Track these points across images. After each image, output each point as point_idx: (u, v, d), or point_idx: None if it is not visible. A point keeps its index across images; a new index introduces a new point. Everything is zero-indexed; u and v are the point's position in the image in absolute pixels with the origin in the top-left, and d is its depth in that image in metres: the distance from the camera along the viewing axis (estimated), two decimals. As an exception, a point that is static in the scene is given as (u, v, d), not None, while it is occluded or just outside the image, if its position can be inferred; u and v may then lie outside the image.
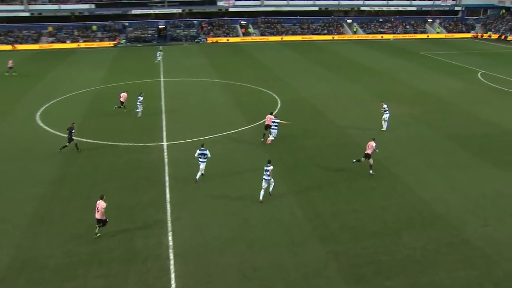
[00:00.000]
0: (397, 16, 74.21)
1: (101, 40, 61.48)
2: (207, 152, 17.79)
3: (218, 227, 14.90)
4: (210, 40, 63.70)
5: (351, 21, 72.15)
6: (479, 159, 20.43)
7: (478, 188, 17.57)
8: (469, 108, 28.95)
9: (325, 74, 40.27)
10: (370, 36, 68.80)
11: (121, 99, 27.40)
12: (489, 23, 75.12)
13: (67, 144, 20.75)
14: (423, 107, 29.24)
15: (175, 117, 26.26)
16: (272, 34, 67.50)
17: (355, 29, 70.48)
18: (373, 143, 18.96)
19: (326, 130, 24.55)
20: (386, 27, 71.95)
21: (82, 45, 59.43)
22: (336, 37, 67.92)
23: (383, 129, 24.30)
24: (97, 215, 14.02)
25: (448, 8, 75.76)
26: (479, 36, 70.62)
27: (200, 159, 17.81)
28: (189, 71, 41.21)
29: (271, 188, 16.69)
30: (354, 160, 19.35)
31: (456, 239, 14.22)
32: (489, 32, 71.09)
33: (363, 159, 19.02)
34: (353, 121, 26.10)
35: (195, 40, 63.42)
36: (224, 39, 64.09)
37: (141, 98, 26.77)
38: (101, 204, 13.99)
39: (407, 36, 69.68)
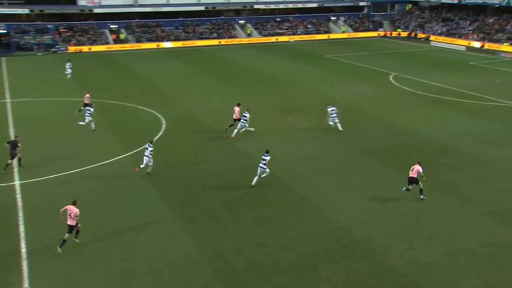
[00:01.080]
0: (297, 15, 79.65)
1: None
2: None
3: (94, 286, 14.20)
4: (72, 48, 61.53)
5: (244, 22, 75.46)
6: (397, 173, 22.34)
7: (399, 206, 19.19)
8: (383, 115, 31.93)
9: (217, 86, 41.26)
10: (267, 39, 72.58)
11: None
12: (398, 19, 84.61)
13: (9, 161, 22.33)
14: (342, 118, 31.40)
15: (30, 148, 24.55)
16: (150, 40, 67.44)
17: (249, 31, 73.80)
18: (418, 167, 19.74)
19: (221, 152, 25.06)
20: (284, 27, 76.66)
21: None
22: (227, 41, 70.30)
23: (341, 129, 28.18)
24: (69, 222, 16.11)
25: (352, 4, 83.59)
26: (388, 34, 78.97)
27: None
28: (45, 89, 39.29)
29: (264, 174, 20.78)
30: (404, 189, 19.96)
31: (379, 267, 15.30)
32: (398, 30, 79.92)
33: (410, 186, 19.77)
34: (254, 140, 27.04)
35: (52, 49, 60.68)
36: (88, 48, 62.27)
37: None
38: (73, 210, 16.13)
39: (309, 37, 75.02)
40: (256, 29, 75.03)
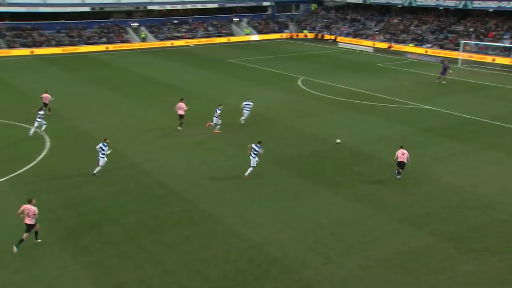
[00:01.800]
0: (196, 16, 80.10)
1: None
2: None
3: None
4: None
5: (137, 24, 74.44)
6: (311, 184, 23.23)
7: (314, 219, 19.85)
8: (294, 123, 32.97)
9: (111, 97, 40.30)
10: (164, 43, 72.23)
11: None
12: (304, 20, 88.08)
13: None
14: (241, 127, 31.98)
15: None
16: (25, 45, 64.32)
17: (143, 35, 72.96)
18: (405, 151, 23.57)
19: (118, 171, 24.49)
20: (183, 30, 76.75)
21: None
22: (118, 46, 68.93)
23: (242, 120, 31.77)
24: (27, 221, 17.39)
25: (255, 4, 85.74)
26: (294, 36, 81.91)
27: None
28: None
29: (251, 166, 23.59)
30: (397, 175, 23.62)
31: (297, 286, 15.67)
32: (304, 31, 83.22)
33: (401, 170, 23.46)
34: (154, 154, 26.76)
35: None
36: None
37: None
38: (31, 209, 17.45)
39: (210, 40, 75.67)
40: (151, 32, 74.31)
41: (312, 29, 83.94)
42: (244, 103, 31.07)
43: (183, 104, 31.50)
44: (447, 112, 35.58)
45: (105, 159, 23.78)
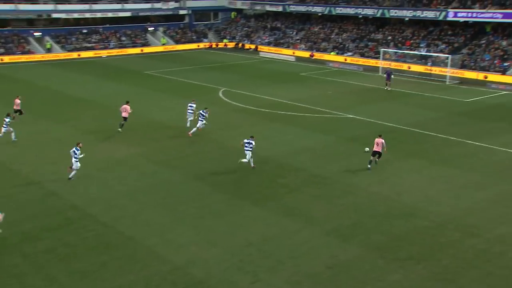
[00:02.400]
0: (108, 25, 78.54)
1: None
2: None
3: None
4: None
5: (40, 34, 71.74)
6: (236, 199, 23.29)
7: (240, 236, 19.91)
8: (216, 136, 32.91)
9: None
10: (71, 54, 70.25)
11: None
12: (223, 29, 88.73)
13: None
14: (160, 142, 31.65)
15: None
16: None
17: (48, 46, 70.50)
18: (382, 140, 26.36)
19: (22, 195, 23.44)
20: (94, 40, 75.00)
21: None
22: (17, 58, 66.10)
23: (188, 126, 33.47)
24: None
25: (171, 12, 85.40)
26: (213, 46, 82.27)
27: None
28: None
29: (248, 157, 26.60)
30: (369, 166, 26.70)
31: (223, 309, 15.65)
32: (224, 40, 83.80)
33: (372, 158, 26.61)
34: (65, 174, 25.82)
35: None
36: None
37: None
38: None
39: (124, 51, 74.33)
40: (57, 42, 71.96)
41: (232, 38, 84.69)
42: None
43: (128, 106, 33.35)
44: (370, 121, 36.97)
45: (78, 163, 24.81)
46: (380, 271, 17.55)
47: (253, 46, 79.40)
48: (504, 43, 58.28)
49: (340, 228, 20.65)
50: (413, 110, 40.82)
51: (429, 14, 63.25)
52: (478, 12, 58.68)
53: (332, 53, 70.03)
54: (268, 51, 75.30)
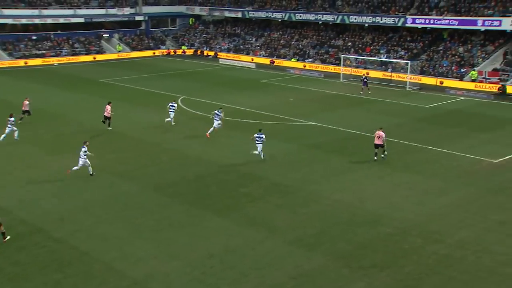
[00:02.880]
0: (59, 32, 77.15)
1: None
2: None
3: None
4: None
5: (-16, 40, 70.04)
6: (197, 210, 23.12)
7: (202, 247, 19.75)
8: (175, 145, 32.76)
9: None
10: (19, 62, 68.76)
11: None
12: (181, 35, 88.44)
13: None
14: (117, 153, 31.23)
15: None
16: None
17: (-5, 53, 68.87)
18: (382, 133, 28.95)
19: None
20: (44, 47, 73.57)
21: None
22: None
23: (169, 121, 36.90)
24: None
25: (127, 19, 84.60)
26: (172, 53, 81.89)
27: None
28: None
29: (259, 149, 29.28)
30: (375, 158, 29.48)
31: (186, 324, 15.47)
32: (183, 47, 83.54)
33: (376, 150, 29.40)
34: (14, 189, 25.23)
35: None
36: None
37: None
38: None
39: (77, 58, 73.28)
40: (4, 50, 70.25)
41: (191, 45, 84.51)
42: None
43: (109, 106, 36.42)
44: (332, 128, 37.39)
45: (87, 160, 26.63)
46: (345, 280, 17.68)
47: (212, 53, 79.41)
48: (461, 49, 60.10)
49: (303, 237, 20.73)
50: (375, 116, 41.48)
51: (388, 20, 64.75)
52: (435, 19, 60.41)
53: (292, 59, 70.65)
54: (227, 58, 75.43)
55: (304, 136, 35.31)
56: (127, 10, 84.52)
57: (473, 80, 54.04)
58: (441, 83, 55.33)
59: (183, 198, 24.59)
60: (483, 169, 28.95)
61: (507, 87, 51.45)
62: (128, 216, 22.47)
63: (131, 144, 32.79)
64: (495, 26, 55.68)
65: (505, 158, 30.76)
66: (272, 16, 78.20)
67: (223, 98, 47.50)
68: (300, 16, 74.37)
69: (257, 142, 29.52)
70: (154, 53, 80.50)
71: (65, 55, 72.93)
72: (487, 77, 53.70)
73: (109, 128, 36.16)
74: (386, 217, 22.58)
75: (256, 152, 29.55)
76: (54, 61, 70.75)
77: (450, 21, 59.08)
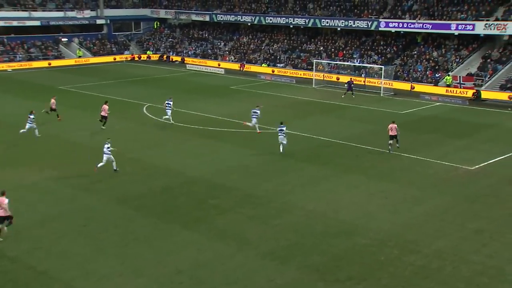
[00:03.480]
0: (13, 35, 75.85)
1: None
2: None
3: None
4: None
5: None
6: (164, 223, 22.90)
7: (170, 263, 19.57)
8: (140, 155, 32.47)
9: None
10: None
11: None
12: (146, 40, 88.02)
13: None
14: (78, 165, 30.75)
15: None
16: None
17: None
18: (395, 125, 32.85)
19: None
20: (-4, 52, 72.40)
21: None
22: None
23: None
24: (1, 213, 20.69)
25: (87, 22, 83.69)
26: (136, 58, 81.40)
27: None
28: None
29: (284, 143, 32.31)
30: (397, 145, 33.30)
31: None
32: (148, 52, 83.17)
33: (391, 141, 32.99)
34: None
35: None
36: None
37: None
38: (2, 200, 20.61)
39: (33, 64, 72.30)
40: None
41: (156, 50, 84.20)
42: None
43: (106, 106, 38.96)
44: (305, 135, 37.58)
45: (111, 156, 28.85)
46: (319, 294, 17.72)
47: (179, 58, 79.24)
48: (435, 53, 61.25)
49: (276, 250, 20.71)
50: (349, 123, 41.86)
51: (361, 24, 65.58)
52: (409, 23, 61.42)
53: (263, 64, 70.94)
54: (195, 64, 75.38)
55: (276, 144, 35.37)
56: (88, 13, 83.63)
57: (448, 85, 55.08)
58: (412, 88, 56.02)
59: (149, 211, 24.35)
60: (459, 177, 29.44)
61: (482, 92, 52.59)
62: (90, 231, 22.13)
63: (93, 154, 32.32)
64: (468, 30, 56.93)
65: (481, 165, 31.33)
66: (241, 20, 78.49)
67: (190, 105, 47.38)
68: (271, 19, 74.82)
69: (279, 134, 32.83)
70: (114, 59, 79.85)
71: (19, 60, 71.73)
72: (462, 82, 54.70)
73: (103, 127, 38.17)
74: (361, 227, 22.73)
75: (283, 145, 32.98)
76: (7, 66, 69.57)
77: (424, 24, 60.19)
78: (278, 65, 70.09)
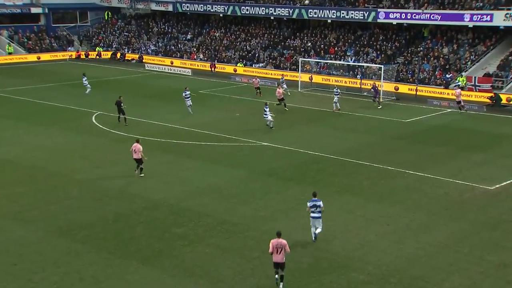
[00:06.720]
0: None
1: None
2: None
3: None
4: None
5: None
6: (118, 259, 22.74)
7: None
8: (89, 176, 32.33)
9: None
10: None
11: None
12: (95, 33, 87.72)
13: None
14: (7, 188, 30.47)
15: None
16: None
17: None
18: (460, 91, 44.64)
19: None
20: None
21: None
22: None
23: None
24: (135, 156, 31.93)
25: (19, 11, 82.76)
26: (82, 56, 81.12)
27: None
28: None
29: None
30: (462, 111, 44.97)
31: None
32: (98, 49, 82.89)
33: (462, 106, 45.85)
34: None
35: None
36: None
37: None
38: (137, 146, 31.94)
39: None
40: None
41: (108, 47, 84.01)
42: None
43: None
44: (289, 149, 37.69)
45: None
46: None
47: (136, 57, 79.25)
48: (445, 50, 61.60)
49: (241, 289, 20.71)
50: (341, 134, 42.10)
51: (356, 15, 65.78)
52: (414, 13, 61.56)
53: (239, 64, 71.15)
54: (156, 63, 75.39)
55: (255, 160, 35.43)
56: (20, 0, 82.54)
57: (461, 88, 55.43)
58: (417, 91, 56.60)
59: (99, 244, 24.14)
60: (476, 198, 29.67)
61: (502, 96, 52.79)
62: (23, 271, 21.80)
63: (27, 175, 32.03)
64: (485, 21, 57.19)
65: (503, 184, 31.62)
66: (212, 10, 78.61)
67: (151, 113, 47.35)
68: (247, 10, 75.01)
69: (264, 116, 41.85)
70: (56, 56, 79.74)
71: None
72: (477, 84, 54.93)
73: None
74: (358, 260, 22.77)
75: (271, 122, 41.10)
76: None
77: (432, 15, 60.52)
78: (257, 64, 70.31)
